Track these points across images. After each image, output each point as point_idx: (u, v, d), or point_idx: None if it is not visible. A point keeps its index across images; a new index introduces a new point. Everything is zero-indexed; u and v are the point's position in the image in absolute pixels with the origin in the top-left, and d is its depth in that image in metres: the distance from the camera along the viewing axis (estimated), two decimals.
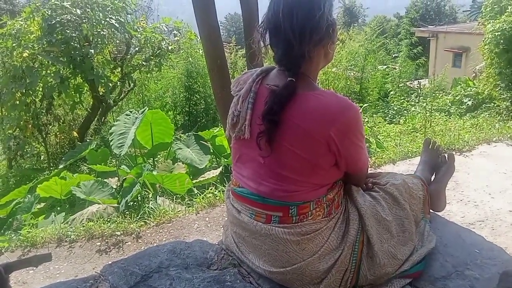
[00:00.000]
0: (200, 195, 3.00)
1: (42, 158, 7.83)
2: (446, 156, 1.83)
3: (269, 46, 1.21)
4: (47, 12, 6.72)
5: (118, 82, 8.32)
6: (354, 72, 11.25)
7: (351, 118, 1.13)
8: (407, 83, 10.98)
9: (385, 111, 8.85)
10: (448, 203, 1.90)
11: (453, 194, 2.25)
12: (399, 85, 10.20)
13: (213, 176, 4.41)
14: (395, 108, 8.70)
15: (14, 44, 6.65)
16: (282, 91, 1.14)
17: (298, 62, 1.15)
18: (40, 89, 7.01)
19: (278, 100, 1.13)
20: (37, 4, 7.15)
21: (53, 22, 6.64)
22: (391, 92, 10.09)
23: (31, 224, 3.15)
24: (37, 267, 1.66)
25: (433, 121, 5.92)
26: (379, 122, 7.09)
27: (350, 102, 1.14)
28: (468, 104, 7.36)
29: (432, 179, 1.79)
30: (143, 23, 8.56)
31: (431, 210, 1.65)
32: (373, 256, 1.25)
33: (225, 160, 5.07)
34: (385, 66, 11.95)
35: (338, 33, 1.25)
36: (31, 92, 6.89)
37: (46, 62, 6.92)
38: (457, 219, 1.98)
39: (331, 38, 1.18)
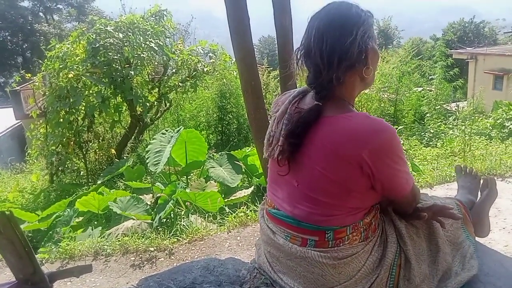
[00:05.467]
0: (231, 214, 3.01)
1: (81, 174, 8.14)
2: (487, 180, 1.78)
3: (304, 68, 1.22)
4: (92, 36, 7.15)
5: (155, 102, 8.61)
6: (388, 94, 11.07)
7: (386, 140, 1.09)
8: (444, 105, 10.69)
9: (421, 134, 8.61)
10: (490, 231, 1.82)
11: (495, 222, 2.15)
12: (436, 107, 9.94)
13: (244, 196, 4.42)
14: (432, 131, 8.45)
15: (60, 66, 7.09)
16: (306, 114, 1.15)
17: (327, 86, 1.14)
18: (83, 108, 7.35)
19: (301, 123, 1.14)
20: (83, 29, 7.64)
21: (97, 45, 7.04)
22: (427, 115, 9.83)
23: (70, 237, 3.27)
24: (78, 277, 1.71)
25: (472, 145, 5.71)
26: (415, 145, 6.91)
27: (385, 124, 1.10)
28: (510, 128, 7.06)
29: None
30: (181, 46, 8.89)
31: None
32: (410, 278, 1.23)
33: (257, 179, 5.07)
34: (421, 88, 11.71)
35: (377, 57, 1.23)
36: (74, 111, 7.26)
37: (89, 83, 7.29)
38: (499, 247, 1.88)
39: (365, 64, 1.15)
